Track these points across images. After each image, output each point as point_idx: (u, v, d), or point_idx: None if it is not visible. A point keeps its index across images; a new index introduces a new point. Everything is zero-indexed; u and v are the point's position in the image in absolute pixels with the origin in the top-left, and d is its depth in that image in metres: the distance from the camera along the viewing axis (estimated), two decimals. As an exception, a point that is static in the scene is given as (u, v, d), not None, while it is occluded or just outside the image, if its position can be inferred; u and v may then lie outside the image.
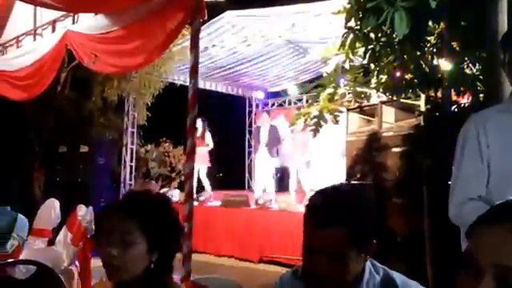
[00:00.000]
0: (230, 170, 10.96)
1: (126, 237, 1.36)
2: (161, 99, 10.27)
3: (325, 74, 5.04)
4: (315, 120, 5.01)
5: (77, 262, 4.08)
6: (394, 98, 4.43)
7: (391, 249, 3.84)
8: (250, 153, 11.71)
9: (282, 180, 9.45)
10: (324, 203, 1.24)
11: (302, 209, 7.00)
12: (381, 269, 1.32)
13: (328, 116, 5.03)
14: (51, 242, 4.30)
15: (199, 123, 9.14)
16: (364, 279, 1.26)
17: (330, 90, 4.91)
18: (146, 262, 1.38)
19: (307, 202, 1.29)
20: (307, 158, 8.45)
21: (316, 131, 5.02)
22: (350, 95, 5.02)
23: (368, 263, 1.29)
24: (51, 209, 4.90)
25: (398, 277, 1.30)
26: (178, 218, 1.50)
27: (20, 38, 6.01)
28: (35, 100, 6.21)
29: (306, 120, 5.16)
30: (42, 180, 9.85)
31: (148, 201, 1.45)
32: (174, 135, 10.56)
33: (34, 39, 5.82)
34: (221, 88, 11.04)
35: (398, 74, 3.99)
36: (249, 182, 11.61)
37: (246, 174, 11.73)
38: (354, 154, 5.28)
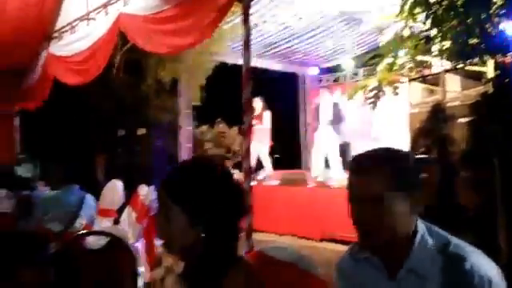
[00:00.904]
0: (285, 150, 10.85)
1: (167, 212, 1.34)
2: (214, 79, 10.26)
3: (382, 44, 4.80)
4: (373, 92, 4.81)
5: (142, 239, 4.18)
6: (459, 66, 4.16)
7: (460, 225, 3.66)
8: (305, 131, 11.55)
9: (344, 157, 9.29)
10: (362, 154, 1.40)
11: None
12: (437, 232, 1.32)
13: (387, 88, 4.81)
14: (116, 222, 4.42)
15: (258, 102, 9.12)
16: (416, 239, 1.28)
17: (388, 60, 4.66)
18: (193, 235, 1.33)
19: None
20: (369, 134, 8.23)
21: (374, 104, 4.82)
22: (411, 65, 4.76)
23: (422, 226, 1.32)
24: (114, 189, 5.05)
25: (454, 240, 1.30)
26: (224, 182, 1.40)
27: (74, 24, 6.13)
28: (92, 84, 6.35)
29: (364, 93, 4.96)
30: (103, 163, 10.19)
31: (182, 172, 1.41)
32: (229, 115, 10.57)
33: (88, 24, 5.91)
34: (272, 66, 10.88)
35: (462, 39, 3.73)
36: (305, 161, 11.48)
37: (302, 153, 11.59)
38: (417, 126, 5.04)
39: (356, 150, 8.63)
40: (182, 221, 1.33)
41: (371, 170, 1.31)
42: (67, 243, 2.44)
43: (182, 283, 1.40)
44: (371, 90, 4.87)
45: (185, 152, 10.00)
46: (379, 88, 4.77)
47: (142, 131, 10.61)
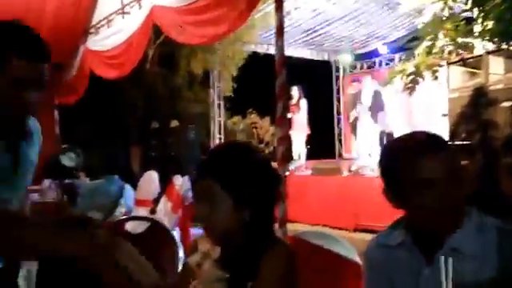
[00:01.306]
0: (319, 139, 10.76)
1: (210, 197, 1.33)
2: (245, 70, 10.25)
3: (420, 26, 4.66)
4: (411, 77, 4.68)
5: (177, 229, 4.24)
6: (502, 47, 4.00)
7: (503, 212, 3.53)
8: (339, 120, 11.40)
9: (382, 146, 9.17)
10: (420, 136, 1.31)
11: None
12: (481, 213, 1.29)
13: (426, 72, 4.67)
14: (153, 212, 4.48)
15: (295, 90, 9.07)
16: (463, 218, 1.26)
17: (427, 43, 4.52)
18: (237, 220, 1.34)
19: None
20: (409, 122, 8.06)
21: (412, 89, 4.70)
22: (451, 47, 4.59)
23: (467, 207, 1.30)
24: (151, 181, 5.13)
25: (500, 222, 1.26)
26: (265, 167, 1.41)
27: (110, 18, 6.20)
28: (126, 78, 6.43)
29: (401, 78, 4.83)
30: (138, 155, 10.35)
31: (228, 156, 1.38)
32: (261, 106, 10.55)
33: (123, 17, 5.96)
34: (305, 54, 10.77)
35: (506, 18, 3.57)
36: (339, 150, 11.35)
37: (336, 142, 11.46)
38: (457, 112, 4.87)
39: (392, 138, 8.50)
40: (227, 206, 1.33)
41: (444, 148, 1.26)
42: (109, 228, 2.48)
43: (220, 268, 1.39)
44: (409, 75, 4.75)
45: (217, 143, 10.05)
46: (417, 73, 4.64)
47: (174, 123, 10.70)
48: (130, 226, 2.22)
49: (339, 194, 7.29)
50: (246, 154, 1.41)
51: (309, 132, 9.34)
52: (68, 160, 5.06)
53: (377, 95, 8.76)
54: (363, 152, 8.84)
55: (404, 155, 1.27)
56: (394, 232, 1.38)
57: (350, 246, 1.70)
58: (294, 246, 1.49)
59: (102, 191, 3.77)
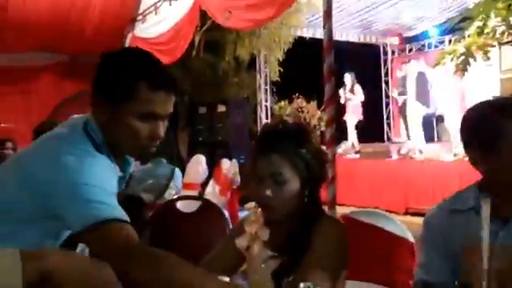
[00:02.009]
0: (367, 123, 10.60)
1: (278, 177, 1.37)
2: (292, 54, 10.19)
3: (471, 6, 4.49)
4: (462, 58, 4.53)
5: (225, 211, 4.32)
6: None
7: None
8: (387, 104, 11.19)
9: (430, 129, 8.93)
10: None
11: (449, 158, 6.58)
12: None
13: (477, 53, 4.51)
14: (201, 195, 4.58)
15: (348, 77, 9.26)
16: None
17: (478, 23, 4.36)
18: (300, 198, 1.40)
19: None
20: (461, 104, 7.79)
21: (463, 71, 4.55)
22: (503, 27, 4.41)
23: None
24: (198, 164, 5.25)
25: None
26: (319, 145, 1.49)
27: (157, 5, 6.30)
28: (173, 64, 6.54)
29: (452, 59, 4.69)
30: (186, 140, 10.55)
31: (292, 134, 1.42)
32: (308, 90, 10.48)
33: (170, 4, 6.05)
34: (352, 37, 10.58)
35: None
36: (388, 134, 11.16)
37: (385, 126, 11.27)
38: (509, 93, 4.70)
39: (450, 121, 8.27)
40: (295, 185, 1.38)
41: None
42: (161, 207, 2.58)
43: (270, 249, 1.42)
44: (459, 56, 4.60)
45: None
46: (468, 53, 4.49)
47: (221, 108, 10.82)
48: (181, 206, 2.31)
49: (389, 177, 7.23)
50: (310, 134, 1.46)
51: (361, 117, 9.32)
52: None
53: (425, 78, 8.56)
54: (412, 135, 8.67)
55: (498, 116, 1.28)
56: (463, 197, 1.40)
57: (402, 225, 1.70)
58: (346, 223, 1.51)
59: (153, 173, 3.90)
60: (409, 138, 8.64)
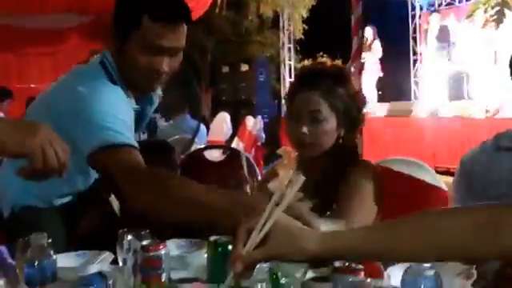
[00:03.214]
0: (394, 80, 10.37)
1: (316, 114, 1.37)
2: (316, 11, 9.94)
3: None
4: (497, 8, 4.33)
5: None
6: None
7: None
8: (415, 61, 10.90)
9: (457, 86, 8.69)
10: None
11: (478, 115, 6.41)
12: None
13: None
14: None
15: (368, 31, 8.81)
16: None
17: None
18: (335, 137, 1.41)
19: None
20: (490, 60, 7.51)
21: (499, 22, 4.36)
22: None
23: None
24: (223, 122, 5.25)
25: None
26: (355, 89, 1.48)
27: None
28: (195, 22, 6.42)
29: (485, 10, 4.49)
30: (209, 99, 10.53)
31: (330, 74, 1.41)
32: (332, 49, 10.26)
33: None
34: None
35: None
36: (415, 92, 10.93)
37: (412, 84, 11.03)
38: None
39: (475, 79, 8.03)
40: (333, 125, 1.38)
41: None
42: (190, 155, 2.59)
43: (303, 192, 1.40)
44: (493, 7, 4.40)
45: (287, 87, 9.97)
46: (504, 3, 4.29)
47: (245, 67, 10.72)
48: (210, 154, 2.33)
49: (416, 136, 7.12)
50: (349, 76, 1.49)
51: (381, 74, 9.06)
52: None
53: (443, 31, 8.26)
54: (438, 93, 8.46)
55: None
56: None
57: (435, 177, 1.66)
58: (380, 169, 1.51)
59: (179, 128, 3.93)
60: (431, 96, 8.42)
